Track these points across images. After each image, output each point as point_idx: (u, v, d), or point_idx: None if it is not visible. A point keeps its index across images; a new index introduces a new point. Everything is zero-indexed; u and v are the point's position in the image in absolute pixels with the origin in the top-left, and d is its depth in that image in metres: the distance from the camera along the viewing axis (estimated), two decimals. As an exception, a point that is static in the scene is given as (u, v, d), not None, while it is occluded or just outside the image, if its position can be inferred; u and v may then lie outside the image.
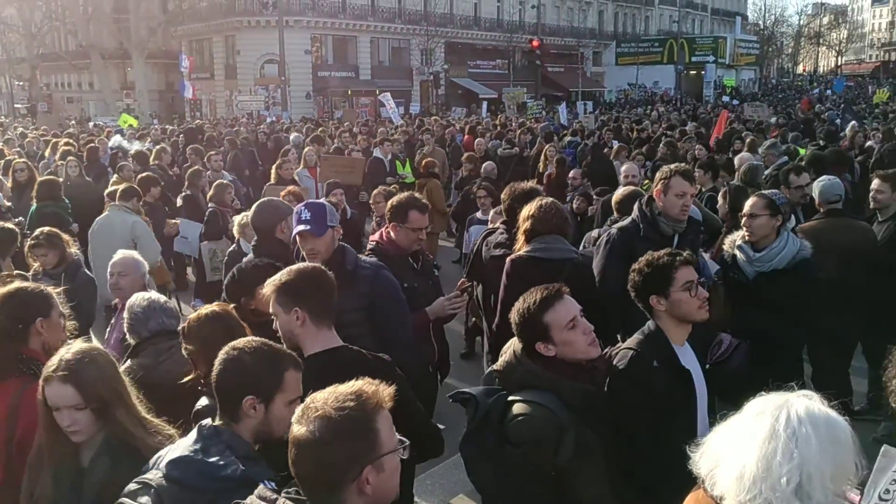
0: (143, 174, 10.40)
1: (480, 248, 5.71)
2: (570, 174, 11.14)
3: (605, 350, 3.60)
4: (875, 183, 6.76)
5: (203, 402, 3.26)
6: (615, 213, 6.16)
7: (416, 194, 5.23)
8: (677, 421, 3.37)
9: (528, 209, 4.96)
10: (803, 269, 4.99)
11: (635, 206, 5.18)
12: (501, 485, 3.15)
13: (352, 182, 11.56)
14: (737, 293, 5.09)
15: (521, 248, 4.96)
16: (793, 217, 6.03)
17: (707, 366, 3.78)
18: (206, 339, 3.34)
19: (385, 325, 4.27)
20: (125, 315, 4.20)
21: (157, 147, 14.96)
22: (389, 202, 5.11)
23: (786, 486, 1.84)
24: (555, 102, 53.08)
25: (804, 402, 1.96)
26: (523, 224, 4.96)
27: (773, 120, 23.38)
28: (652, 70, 66.67)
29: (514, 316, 3.27)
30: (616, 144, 15.91)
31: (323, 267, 3.44)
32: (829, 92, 57.53)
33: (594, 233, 6.11)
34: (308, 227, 4.26)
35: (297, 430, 2.04)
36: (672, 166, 5.10)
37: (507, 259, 4.92)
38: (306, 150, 13.57)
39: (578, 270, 4.72)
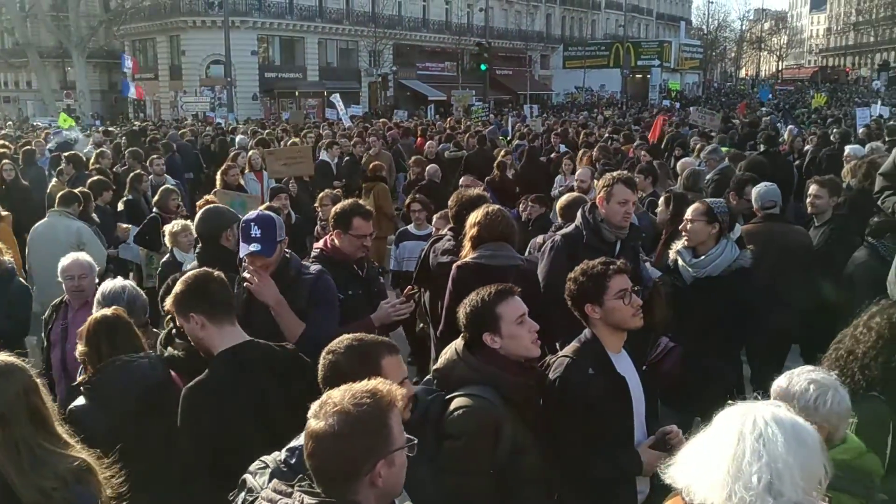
0: (95, 178, 10.06)
1: (428, 255, 5.70)
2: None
3: (546, 358, 3.65)
4: (812, 188, 6.93)
5: (80, 401, 3.50)
6: (559, 219, 6.20)
7: (361, 200, 5.20)
8: (613, 427, 3.45)
9: (475, 216, 4.98)
10: (739, 278, 5.06)
11: (578, 213, 5.23)
12: (440, 486, 3.12)
13: (303, 173, 11.33)
14: (676, 298, 5.17)
15: (467, 254, 4.97)
16: (737, 226, 6.14)
17: (643, 367, 3.85)
18: (93, 343, 3.66)
19: (307, 317, 4.19)
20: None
21: (97, 151, 14.55)
22: (333, 209, 5.08)
23: (757, 483, 1.91)
24: (503, 105, 53.59)
25: (770, 408, 2.04)
26: (470, 231, 4.97)
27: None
28: (599, 73, 67.45)
29: (465, 307, 3.36)
30: (563, 149, 16.05)
31: (208, 269, 3.55)
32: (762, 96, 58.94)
33: (539, 239, 6.13)
34: (259, 247, 4.15)
35: (315, 424, 2.11)
36: (615, 174, 5.15)
37: (454, 266, 4.91)
38: (251, 153, 13.39)
39: (524, 277, 4.74)
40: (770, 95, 53.76)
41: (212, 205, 6.33)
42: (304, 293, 4.27)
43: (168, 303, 3.47)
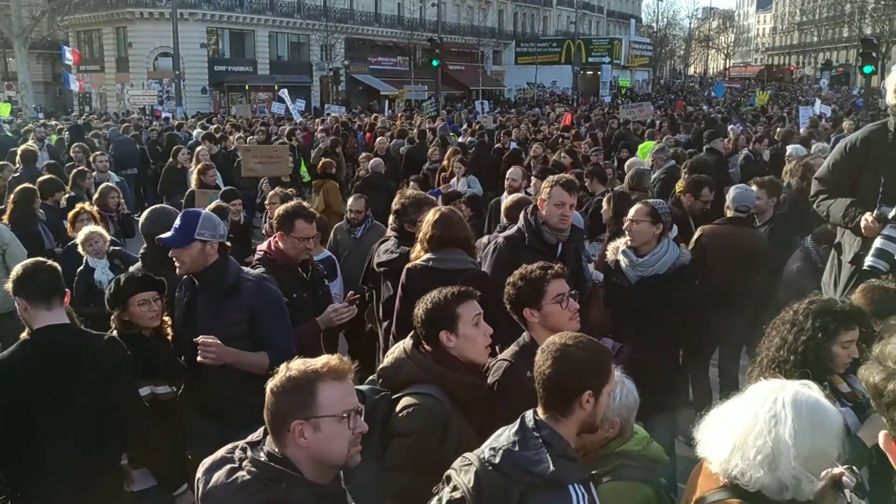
0: (47, 177, 9.61)
1: (373, 256, 5.68)
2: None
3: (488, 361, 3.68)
4: (753, 188, 7.07)
5: None
6: (504, 220, 6.22)
7: (304, 203, 5.16)
8: None
9: (428, 218, 4.96)
10: (682, 274, 5.19)
11: (521, 215, 5.25)
12: (388, 484, 3.17)
13: (278, 173, 11.16)
14: (619, 298, 5.23)
15: (418, 256, 4.96)
16: (675, 227, 6.24)
17: None
18: None
19: (265, 337, 4.21)
20: None
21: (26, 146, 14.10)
22: (276, 211, 5.03)
23: (754, 457, 2.09)
24: (455, 101, 53.63)
25: (794, 389, 2.17)
26: (422, 232, 4.95)
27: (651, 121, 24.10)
28: (550, 70, 67.88)
29: (425, 304, 3.39)
30: (513, 146, 16.11)
31: (43, 260, 3.90)
32: (709, 94, 59.87)
33: (484, 239, 6.15)
34: (169, 236, 4.25)
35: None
36: (555, 177, 5.19)
37: (405, 268, 4.90)
38: (199, 148, 13.23)
39: (474, 280, 4.73)
40: (724, 92, 54.59)
41: (158, 205, 6.24)
42: (245, 302, 4.24)
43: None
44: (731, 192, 6.67)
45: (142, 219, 5.52)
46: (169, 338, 4.36)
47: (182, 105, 38.43)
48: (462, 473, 2.64)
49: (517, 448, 2.61)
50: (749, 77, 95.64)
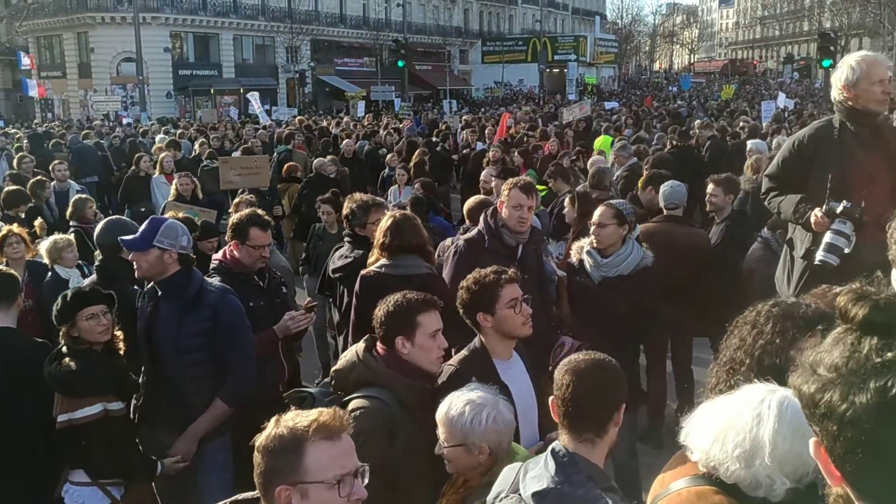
0: (12, 189, 9.29)
1: (329, 263, 5.66)
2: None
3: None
4: (709, 187, 7.12)
5: None
6: (467, 221, 6.22)
7: (259, 211, 5.11)
8: None
9: (382, 224, 4.95)
10: (645, 276, 5.22)
11: (482, 217, 5.25)
12: None
13: (257, 185, 11.03)
14: (582, 297, 5.25)
15: (375, 261, 4.94)
16: (637, 227, 6.28)
17: (549, 368, 3.89)
18: None
19: (225, 352, 4.22)
20: None
21: (18, 156, 13.85)
22: (231, 220, 5.00)
23: (731, 451, 2.11)
24: (423, 101, 53.58)
25: (784, 394, 2.18)
26: (378, 238, 4.93)
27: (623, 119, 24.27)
28: (517, 68, 68.07)
29: (388, 306, 3.40)
30: (480, 146, 16.14)
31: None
32: (673, 89, 60.43)
33: (447, 241, 6.15)
34: (130, 238, 4.28)
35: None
36: (513, 179, 5.19)
37: (359, 276, 4.88)
38: (163, 155, 13.06)
39: (426, 285, 4.73)
40: (691, 85, 55.12)
41: (114, 216, 6.16)
42: (206, 313, 4.26)
43: None
44: (662, 189, 6.73)
45: (97, 230, 5.45)
46: (121, 352, 4.31)
47: (147, 110, 37.98)
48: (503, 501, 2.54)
49: (567, 489, 2.45)
50: (713, 71, 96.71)
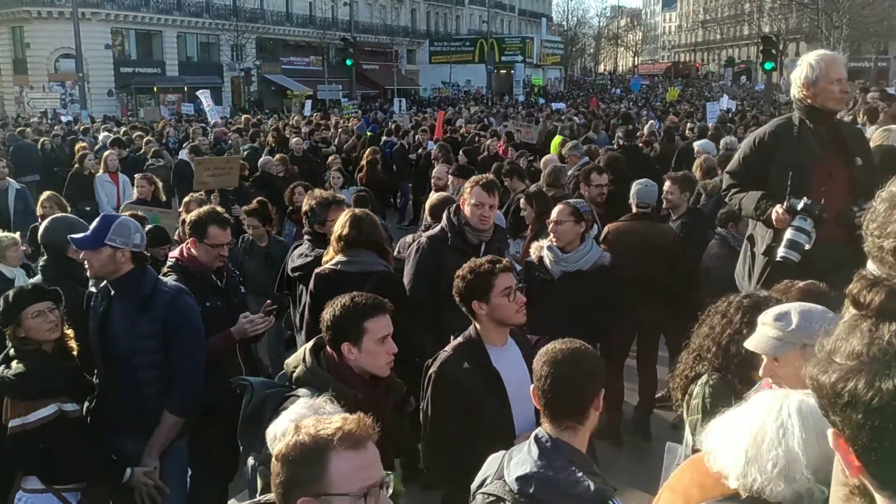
0: None
1: (287, 262, 5.56)
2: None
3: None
4: (666, 185, 7.22)
5: None
6: (428, 219, 6.18)
7: (219, 209, 4.99)
8: (487, 419, 3.58)
9: (340, 221, 4.89)
10: (603, 273, 5.32)
11: (444, 215, 5.23)
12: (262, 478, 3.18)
13: (227, 185, 10.84)
14: (541, 291, 5.26)
15: (331, 259, 4.88)
16: (595, 226, 6.31)
17: None
18: None
19: (173, 358, 4.14)
20: None
21: None
22: (189, 216, 4.87)
23: (772, 469, 2.05)
24: (371, 100, 53.35)
25: (798, 398, 2.15)
26: (334, 236, 4.88)
27: (578, 119, 24.54)
28: (465, 69, 68.28)
29: (334, 310, 3.36)
30: (431, 146, 16.10)
31: None
32: (618, 91, 61.28)
33: (409, 238, 6.10)
34: (80, 236, 4.17)
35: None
36: (475, 177, 5.18)
37: (313, 274, 4.80)
38: (107, 153, 12.72)
39: (382, 283, 4.69)
40: (640, 87, 55.89)
41: (59, 214, 5.95)
42: (160, 315, 4.15)
43: None
44: (634, 188, 6.77)
45: (41, 229, 5.26)
46: (73, 352, 4.16)
47: (87, 108, 37.07)
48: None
49: (550, 473, 2.54)
50: (657, 74, 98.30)
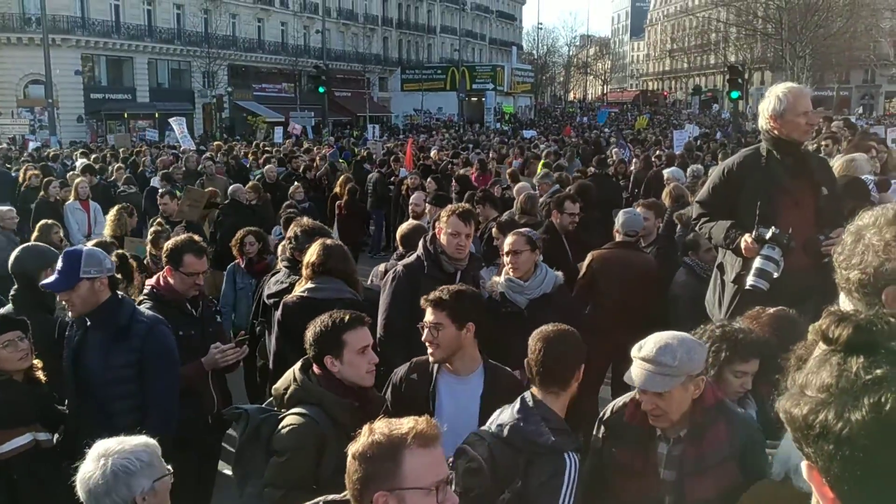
0: None
1: (263, 289, 5.56)
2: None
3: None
4: (639, 210, 7.32)
5: None
6: (400, 248, 6.21)
7: (195, 237, 4.99)
8: None
9: (314, 247, 4.92)
10: (564, 293, 5.44)
11: (420, 243, 5.26)
12: (265, 499, 3.28)
13: (194, 217, 10.82)
14: (514, 325, 5.28)
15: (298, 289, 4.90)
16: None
17: None
18: None
19: (148, 388, 4.11)
20: None
21: None
22: (165, 245, 4.87)
23: None
24: (343, 127, 53.43)
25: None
26: (306, 264, 4.90)
27: (547, 146, 24.74)
28: (436, 96, 68.68)
29: (315, 327, 3.48)
30: (403, 173, 16.17)
31: None
32: (584, 120, 61.90)
33: (381, 267, 6.12)
34: (52, 280, 4.11)
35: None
36: (452, 206, 5.23)
37: (281, 303, 4.81)
38: (78, 180, 12.62)
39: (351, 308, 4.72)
40: (606, 119, 56.41)
41: (30, 243, 5.88)
42: (136, 344, 4.13)
43: None
44: (621, 217, 6.83)
45: (12, 258, 5.21)
46: (42, 381, 4.13)
47: (56, 134, 36.74)
48: (476, 447, 3.12)
49: (522, 424, 3.13)
50: (626, 102, 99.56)
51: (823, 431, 1.27)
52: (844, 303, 2.23)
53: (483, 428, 3.23)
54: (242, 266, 7.31)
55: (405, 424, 2.20)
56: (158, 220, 7.71)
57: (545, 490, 3.06)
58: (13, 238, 7.85)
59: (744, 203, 4.55)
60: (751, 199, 4.49)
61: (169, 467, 2.70)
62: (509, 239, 5.43)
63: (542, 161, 16.18)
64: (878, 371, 1.26)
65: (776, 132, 4.51)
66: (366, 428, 2.23)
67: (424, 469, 2.16)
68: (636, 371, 3.02)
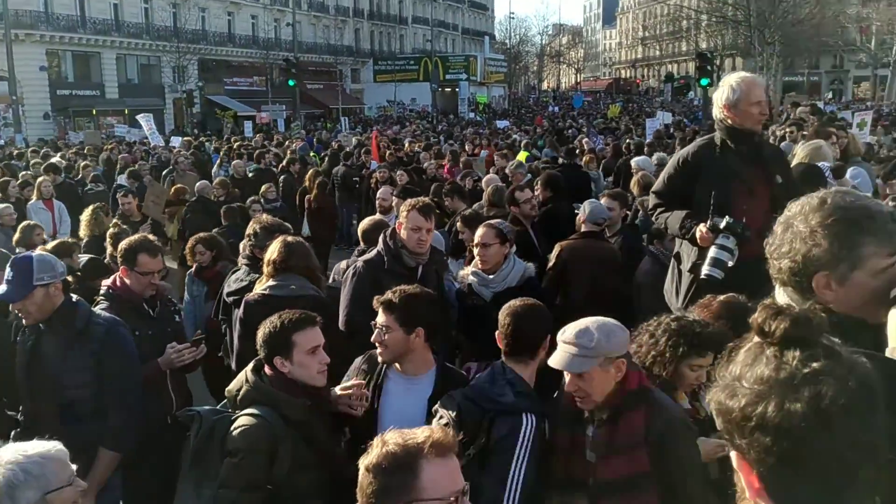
0: None
1: (224, 287, 5.52)
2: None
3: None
4: (604, 201, 7.34)
5: None
6: (361, 244, 6.18)
7: (150, 236, 4.94)
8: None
9: (275, 244, 4.88)
10: (531, 285, 5.37)
11: (380, 238, 5.23)
12: (219, 500, 3.28)
13: (157, 215, 10.73)
14: (478, 317, 5.29)
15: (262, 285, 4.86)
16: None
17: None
18: None
19: (108, 391, 4.06)
20: None
21: None
22: (120, 244, 4.81)
23: None
24: (315, 120, 53.13)
25: None
26: (267, 261, 4.87)
27: (518, 137, 24.78)
28: (409, 87, 68.48)
29: (265, 328, 3.50)
30: (374, 166, 16.10)
31: None
32: (554, 108, 61.93)
33: (342, 264, 6.09)
34: (4, 291, 4.04)
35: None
36: (412, 200, 5.21)
37: (243, 301, 4.78)
38: (41, 179, 12.44)
39: (312, 307, 4.69)
40: (582, 103, 56.49)
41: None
42: (94, 347, 4.09)
43: None
44: (586, 207, 6.86)
45: None
46: None
47: (22, 132, 36.21)
48: (447, 405, 3.40)
49: (488, 385, 3.43)
50: (599, 90, 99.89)
51: (761, 423, 1.28)
52: (780, 294, 2.25)
53: (454, 392, 3.50)
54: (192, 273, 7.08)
55: (420, 434, 2.13)
56: (115, 220, 7.59)
57: (501, 447, 3.25)
58: (11, 235, 7.76)
59: (699, 192, 4.57)
60: (705, 188, 4.50)
61: (73, 477, 2.56)
62: (479, 231, 5.46)
63: (523, 152, 16.27)
64: (816, 364, 1.29)
65: (730, 121, 4.54)
66: (377, 440, 2.14)
67: (442, 479, 2.09)
68: (557, 353, 3.13)
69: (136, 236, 4.91)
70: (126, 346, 4.20)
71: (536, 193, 8.43)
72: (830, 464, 1.25)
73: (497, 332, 3.58)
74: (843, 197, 2.12)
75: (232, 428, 3.34)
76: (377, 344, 3.74)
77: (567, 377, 3.15)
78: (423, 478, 2.06)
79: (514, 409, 3.30)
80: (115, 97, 50.53)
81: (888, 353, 2.02)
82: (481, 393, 3.42)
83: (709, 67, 29.97)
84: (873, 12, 61.77)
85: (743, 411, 1.31)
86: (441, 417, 3.38)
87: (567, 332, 3.13)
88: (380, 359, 3.79)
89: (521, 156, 15.52)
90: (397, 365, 3.80)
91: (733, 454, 1.39)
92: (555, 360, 3.12)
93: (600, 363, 3.04)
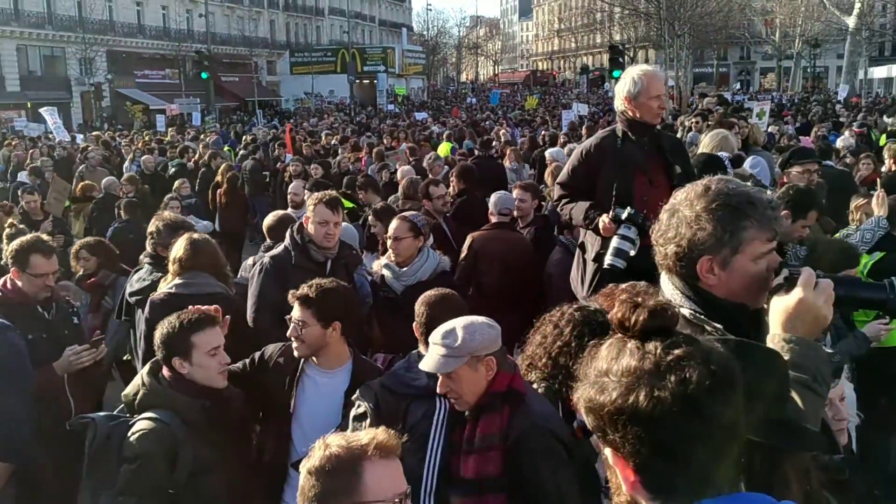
0: None
1: (126, 287, 5.35)
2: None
3: None
4: (516, 192, 7.41)
5: None
6: (268, 239, 6.08)
7: (44, 236, 4.75)
8: (266, 411, 4.03)
9: (180, 241, 4.78)
10: (443, 280, 5.34)
11: (287, 233, 5.16)
12: None
13: (57, 211, 10.30)
14: (389, 309, 5.29)
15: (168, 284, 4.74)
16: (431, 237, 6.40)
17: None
18: None
19: None
20: None
21: None
22: (10, 245, 4.61)
23: None
24: (231, 113, 52.08)
25: None
26: (172, 260, 4.75)
27: (436, 129, 24.80)
28: (327, 79, 67.70)
29: (162, 328, 3.44)
30: (289, 159, 15.88)
31: None
32: (472, 101, 62.25)
33: (249, 260, 5.99)
34: None
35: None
36: (318, 194, 5.15)
37: (148, 300, 4.65)
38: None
39: (219, 305, 4.60)
40: (499, 100, 56.79)
41: None
42: None
43: None
44: (493, 198, 6.91)
45: None
46: None
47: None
48: (364, 395, 3.44)
49: (403, 372, 3.52)
50: (517, 82, 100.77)
51: (634, 414, 1.30)
52: (664, 282, 2.30)
53: (371, 382, 3.56)
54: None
55: (364, 436, 2.11)
56: (10, 220, 7.28)
57: (416, 430, 3.25)
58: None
59: (601, 183, 4.65)
60: (607, 179, 4.59)
61: None
62: (393, 224, 5.45)
63: (445, 144, 16.32)
64: (678, 351, 1.33)
65: (630, 114, 4.63)
66: (319, 442, 2.11)
67: (386, 481, 2.07)
68: (428, 355, 3.15)
69: (27, 237, 4.71)
70: (14, 352, 4.03)
71: (452, 186, 8.48)
72: (700, 447, 1.29)
73: (414, 323, 3.65)
74: (725, 184, 2.20)
75: (129, 433, 3.26)
76: (294, 339, 3.72)
77: (440, 378, 3.15)
78: (367, 480, 2.04)
79: (427, 391, 3.31)
80: (16, 90, 48.40)
81: (769, 339, 2.09)
82: (397, 379, 3.49)
83: (621, 59, 30.62)
84: (777, 5, 64.01)
85: (614, 403, 1.33)
86: (359, 407, 3.40)
87: (435, 333, 3.14)
88: (296, 353, 3.76)
89: (443, 148, 15.56)
90: (314, 358, 3.79)
91: (608, 451, 1.41)
92: (425, 363, 3.13)
93: (468, 362, 3.06)
